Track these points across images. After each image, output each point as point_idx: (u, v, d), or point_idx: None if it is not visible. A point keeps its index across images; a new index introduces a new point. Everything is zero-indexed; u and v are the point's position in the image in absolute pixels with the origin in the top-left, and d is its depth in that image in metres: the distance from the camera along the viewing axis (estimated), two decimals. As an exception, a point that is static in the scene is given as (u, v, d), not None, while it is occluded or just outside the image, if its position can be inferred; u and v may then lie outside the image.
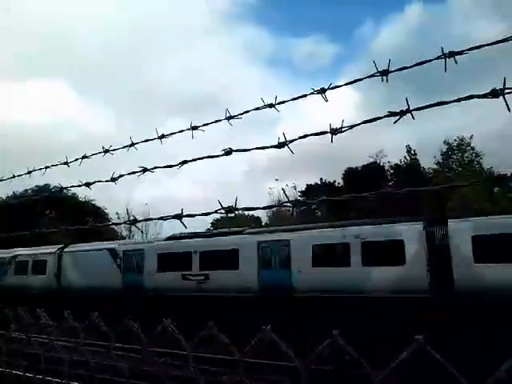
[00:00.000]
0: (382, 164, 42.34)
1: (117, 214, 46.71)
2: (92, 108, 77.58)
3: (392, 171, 41.54)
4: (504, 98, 1.47)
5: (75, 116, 72.88)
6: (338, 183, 43.66)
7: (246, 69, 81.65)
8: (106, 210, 50.34)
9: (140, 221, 2.08)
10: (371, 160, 42.42)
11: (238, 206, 1.79)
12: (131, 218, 2.24)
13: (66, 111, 72.64)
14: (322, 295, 15.81)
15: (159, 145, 2.50)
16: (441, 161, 42.02)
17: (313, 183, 44.40)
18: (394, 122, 1.66)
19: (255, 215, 51.34)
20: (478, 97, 1.51)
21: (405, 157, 42.16)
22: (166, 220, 1.90)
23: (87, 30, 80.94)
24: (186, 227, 1.84)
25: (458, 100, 1.55)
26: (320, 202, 1.51)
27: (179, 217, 1.88)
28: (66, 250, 25.37)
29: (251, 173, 64.01)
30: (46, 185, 37.25)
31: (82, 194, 47.84)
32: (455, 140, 41.19)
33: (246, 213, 49.09)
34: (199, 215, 1.83)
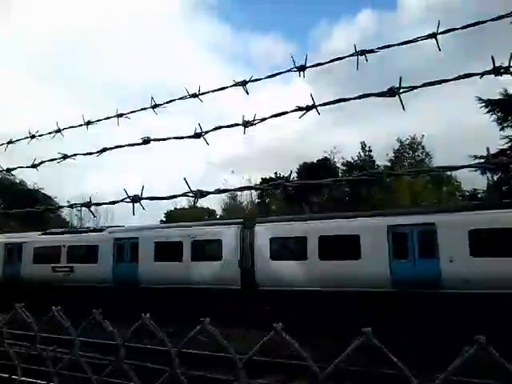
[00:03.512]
0: (335, 160, 43.05)
1: (68, 202, 45.35)
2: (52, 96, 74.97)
3: (344, 168, 42.25)
4: (399, 97, 1.52)
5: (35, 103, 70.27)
6: (292, 177, 43.80)
7: (207, 61, 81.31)
8: (55, 199, 48.67)
9: (50, 209, 2.03)
10: (326, 155, 43.11)
11: (149, 196, 1.78)
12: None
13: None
14: None
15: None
16: (393, 158, 43.24)
17: (267, 177, 44.50)
18: (300, 117, 1.69)
19: (210, 207, 51.21)
20: (376, 95, 1.55)
21: (359, 153, 43.03)
22: (74, 208, 1.86)
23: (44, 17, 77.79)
24: (94, 216, 1.81)
25: (359, 97, 1.59)
26: (221, 192, 1.53)
27: (88, 205, 1.85)
28: None
29: (211, 165, 64.41)
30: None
31: (31, 181, 46.22)
32: (407, 139, 42.48)
33: (202, 204, 48.81)
34: (107, 203, 1.81)
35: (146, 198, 1.69)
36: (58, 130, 2.91)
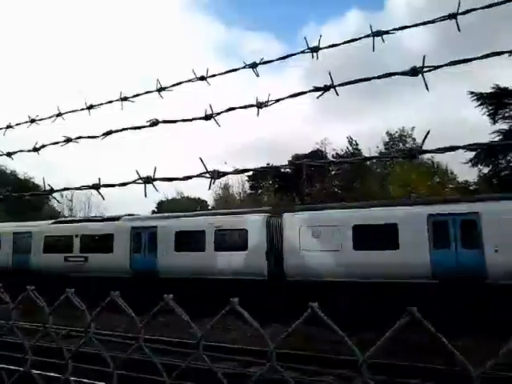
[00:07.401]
0: (326, 152, 43.40)
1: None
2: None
3: (334, 159, 42.58)
4: (423, 77, 1.48)
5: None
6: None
7: (199, 58, 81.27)
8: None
9: (56, 191, 1.97)
10: (318, 147, 43.43)
11: (162, 177, 1.73)
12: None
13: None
14: None
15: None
16: (384, 150, 43.49)
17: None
18: (317, 97, 1.65)
19: (201, 198, 51.08)
20: (398, 74, 1.51)
21: (347, 147, 43.57)
22: (82, 189, 1.81)
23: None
24: (103, 198, 1.77)
25: (381, 77, 1.55)
26: (240, 173, 1.48)
27: (97, 187, 1.80)
28: None
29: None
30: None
31: (21, 171, 45.81)
32: (396, 131, 42.94)
33: (192, 195, 48.70)
34: (117, 185, 1.76)
35: (159, 179, 1.64)
36: (59, 114, 2.83)
